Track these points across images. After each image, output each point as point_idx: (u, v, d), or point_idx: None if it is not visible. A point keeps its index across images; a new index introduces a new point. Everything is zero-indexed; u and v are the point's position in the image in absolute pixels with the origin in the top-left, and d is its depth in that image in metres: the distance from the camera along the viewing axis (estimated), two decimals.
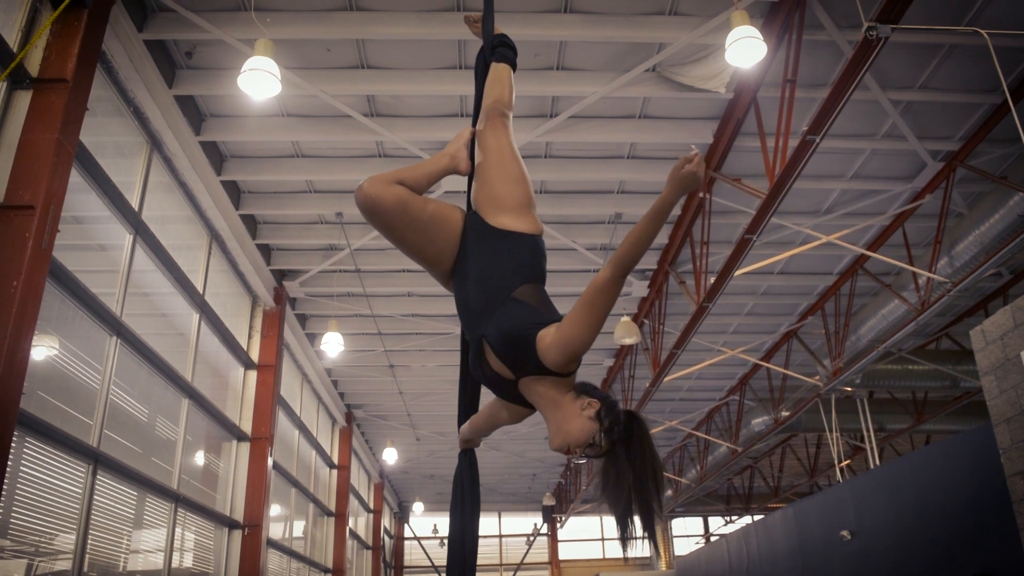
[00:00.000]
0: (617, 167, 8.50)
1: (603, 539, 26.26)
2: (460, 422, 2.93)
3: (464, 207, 2.83)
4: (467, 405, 2.94)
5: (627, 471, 2.20)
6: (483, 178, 2.71)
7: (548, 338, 2.28)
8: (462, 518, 2.71)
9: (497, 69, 3.01)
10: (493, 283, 2.48)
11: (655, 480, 2.20)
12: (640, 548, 2.22)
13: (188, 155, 7.33)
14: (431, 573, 24.41)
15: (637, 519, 2.20)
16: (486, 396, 2.81)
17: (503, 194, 2.66)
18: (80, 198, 5.83)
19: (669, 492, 21.43)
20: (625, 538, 2.22)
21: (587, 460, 2.32)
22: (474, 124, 2.97)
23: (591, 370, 13.95)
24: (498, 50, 3.05)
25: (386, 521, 22.14)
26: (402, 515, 24.49)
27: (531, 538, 25.17)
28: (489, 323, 2.41)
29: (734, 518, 24.56)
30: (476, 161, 2.81)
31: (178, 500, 7.43)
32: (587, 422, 2.26)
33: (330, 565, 14.33)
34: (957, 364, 12.12)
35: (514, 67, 3.05)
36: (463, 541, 2.67)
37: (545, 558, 25.59)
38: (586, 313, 2.21)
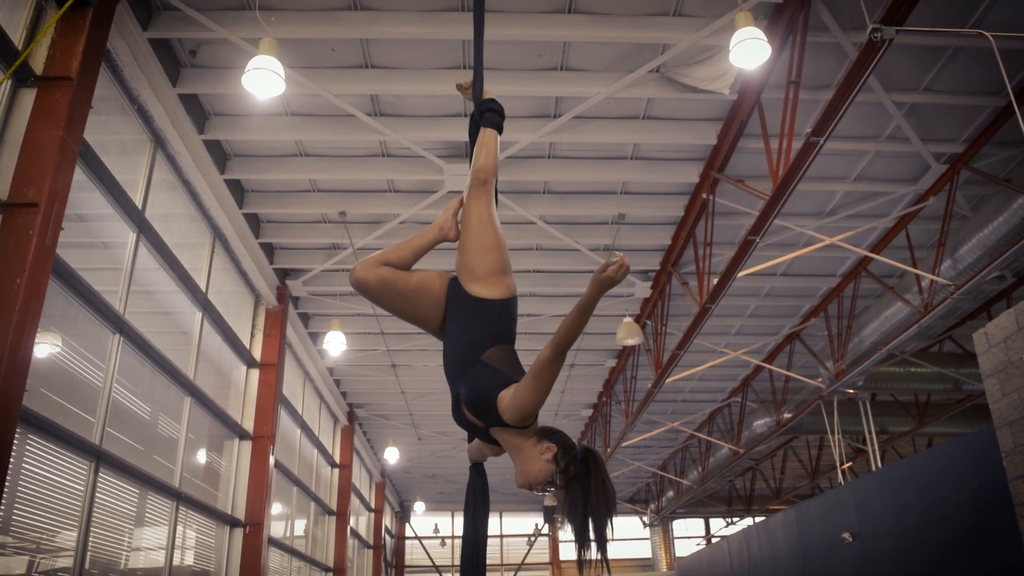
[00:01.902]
0: (620, 168, 8.50)
1: (610, 539, 26.23)
2: (469, 440, 3.29)
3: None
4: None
5: (581, 501, 2.55)
6: (463, 248, 3.01)
7: (506, 400, 2.65)
8: (475, 524, 3.10)
9: (484, 135, 3.20)
10: (466, 346, 2.86)
11: (607, 507, 2.55)
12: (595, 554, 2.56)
13: (192, 153, 7.34)
14: (432, 573, 24.42)
15: (592, 539, 2.55)
16: None
17: (477, 264, 2.96)
18: (84, 196, 5.84)
19: (671, 493, 21.46)
20: (581, 555, 2.56)
21: (549, 492, 2.70)
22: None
23: (594, 371, 13.96)
24: (485, 115, 3.25)
25: (387, 520, 22.15)
26: (403, 514, 24.50)
27: (532, 538, 25.17)
28: (462, 383, 2.81)
29: (735, 520, 24.54)
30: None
31: (180, 498, 7.44)
32: (545, 464, 2.64)
33: (331, 564, 14.33)
34: (960, 367, 12.10)
35: (500, 131, 3.25)
36: (475, 544, 3.08)
37: (546, 558, 25.59)
38: (534, 384, 2.58)
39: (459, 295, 2.96)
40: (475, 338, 2.87)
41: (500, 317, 2.93)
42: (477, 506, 3.12)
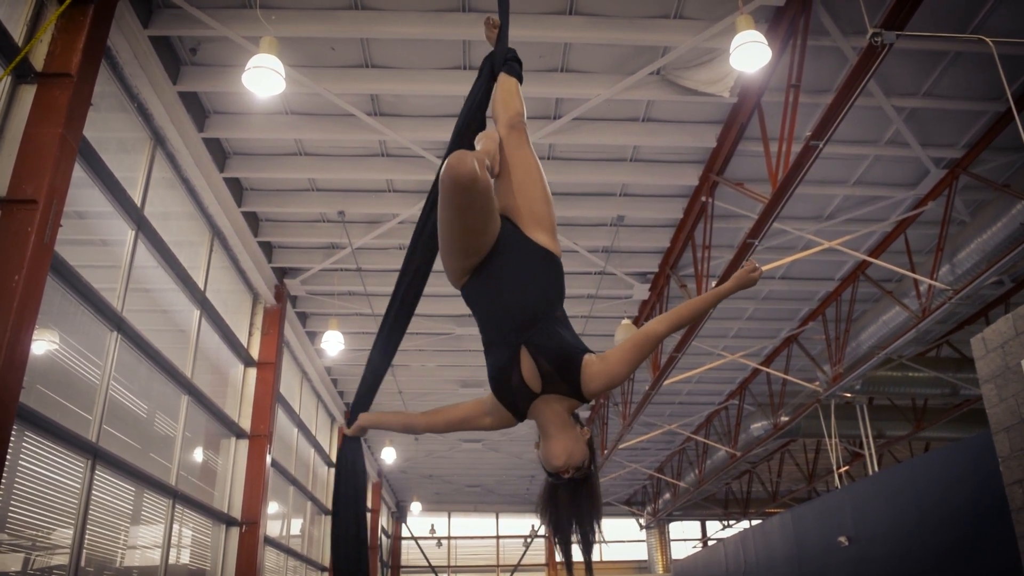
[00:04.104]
0: (620, 170, 8.51)
1: (601, 541, 26.21)
2: (361, 408, 3.03)
3: None
4: (372, 391, 3.08)
5: (591, 496, 2.52)
6: (520, 190, 2.77)
7: (594, 367, 2.49)
8: (355, 498, 2.94)
9: (511, 82, 3.09)
10: (539, 297, 2.60)
11: (600, 506, 2.57)
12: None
13: (191, 151, 7.34)
14: (428, 573, 24.40)
15: (577, 537, 2.51)
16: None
17: (544, 213, 2.75)
18: (83, 193, 5.83)
19: (667, 496, 21.45)
20: (569, 553, 2.52)
21: (566, 479, 2.51)
22: (467, 123, 3.06)
23: None
24: (510, 63, 3.14)
25: (384, 521, 22.12)
26: (400, 515, 24.49)
27: (528, 539, 25.15)
28: (535, 335, 2.53)
29: (732, 523, 24.53)
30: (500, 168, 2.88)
31: (176, 496, 7.43)
32: (584, 448, 2.50)
33: (327, 563, 14.32)
34: (957, 372, 12.11)
35: (521, 81, 3.15)
36: (356, 522, 2.91)
37: (542, 560, 25.56)
38: (634, 356, 2.49)
39: (519, 239, 2.69)
40: (548, 291, 2.65)
41: (561, 277, 2.75)
42: (358, 479, 2.96)
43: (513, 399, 2.58)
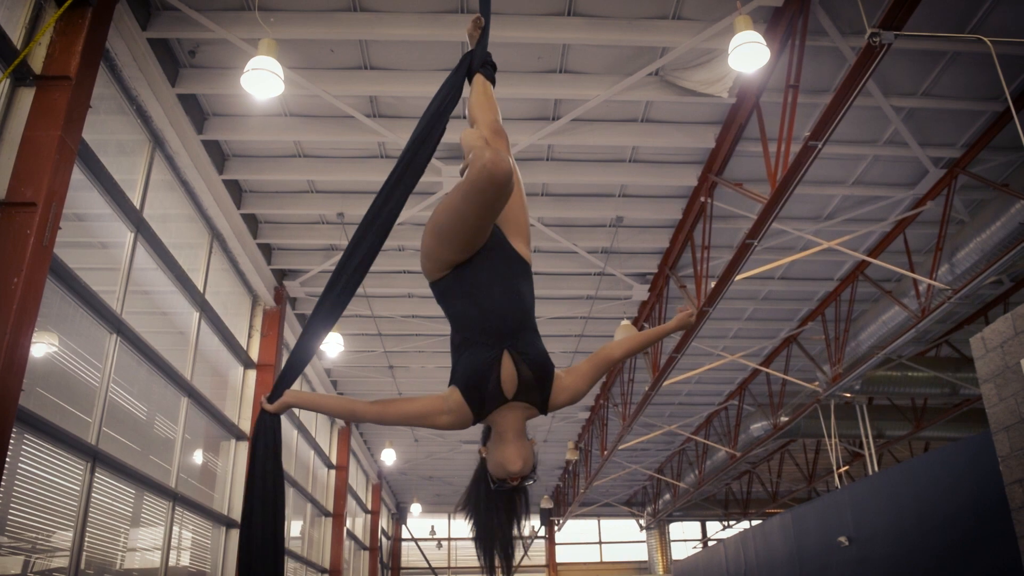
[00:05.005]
0: (619, 171, 8.51)
1: (600, 542, 26.24)
2: (285, 384, 2.77)
3: None
4: (300, 368, 2.85)
5: (525, 504, 2.63)
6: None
7: (563, 381, 2.63)
8: (275, 479, 2.66)
9: (488, 86, 3.17)
10: (523, 304, 2.65)
11: (530, 515, 2.58)
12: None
13: (190, 154, 7.34)
14: (429, 574, 24.39)
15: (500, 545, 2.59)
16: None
17: (523, 221, 2.80)
18: (82, 195, 5.83)
19: (667, 496, 21.44)
20: (492, 556, 2.58)
21: (511, 486, 2.57)
22: (436, 117, 2.95)
23: None
24: (487, 67, 3.23)
25: (384, 522, 22.11)
26: (400, 516, 24.49)
27: (528, 541, 25.15)
28: (519, 341, 2.58)
29: (732, 523, 24.54)
30: None
31: (176, 498, 7.43)
32: (533, 457, 2.59)
33: (327, 566, 14.31)
34: (957, 371, 12.11)
35: (493, 85, 3.24)
36: (275, 504, 2.63)
37: (542, 561, 25.56)
38: (594, 375, 2.68)
39: (504, 245, 2.71)
40: (528, 299, 2.70)
41: (533, 286, 2.81)
42: (277, 466, 2.69)
43: (483, 401, 2.57)
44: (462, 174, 2.64)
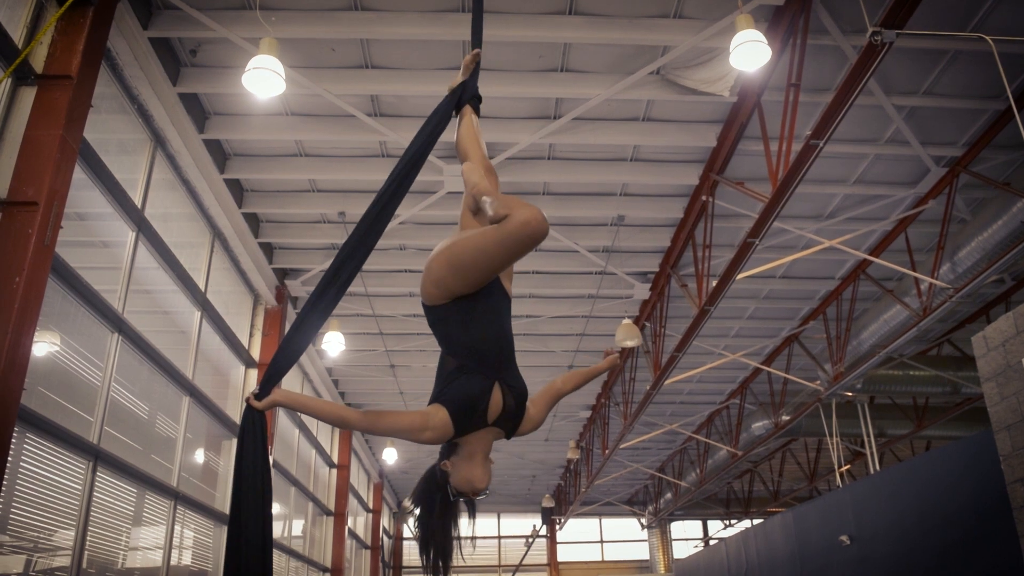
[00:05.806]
0: (620, 169, 8.51)
1: (602, 541, 26.25)
2: (273, 382, 2.78)
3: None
4: (288, 366, 2.88)
5: (472, 513, 2.84)
6: None
7: (530, 412, 2.87)
8: (263, 472, 2.68)
9: (474, 119, 3.25)
10: (510, 339, 2.85)
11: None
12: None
13: (191, 153, 7.34)
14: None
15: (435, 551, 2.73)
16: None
17: (511, 269, 2.95)
18: (83, 195, 5.84)
19: (669, 495, 21.44)
20: (431, 552, 2.73)
21: (469, 499, 2.81)
22: (425, 144, 3.02)
23: None
24: (475, 100, 3.32)
25: (385, 521, 22.13)
26: (401, 515, 24.48)
27: (530, 540, 25.13)
28: (509, 375, 2.78)
29: (733, 522, 24.54)
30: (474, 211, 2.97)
31: (177, 497, 7.44)
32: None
33: (329, 564, 14.32)
34: (958, 370, 12.10)
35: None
36: (263, 495, 2.65)
37: (544, 560, 25.57)
38: (549, 408, 3.00)
39: (498, 283, 2.85)
40: (511, 335, 2.90)
41: None
42: (265, 463, 2.71)
43: (470, 424, 2.72)
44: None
